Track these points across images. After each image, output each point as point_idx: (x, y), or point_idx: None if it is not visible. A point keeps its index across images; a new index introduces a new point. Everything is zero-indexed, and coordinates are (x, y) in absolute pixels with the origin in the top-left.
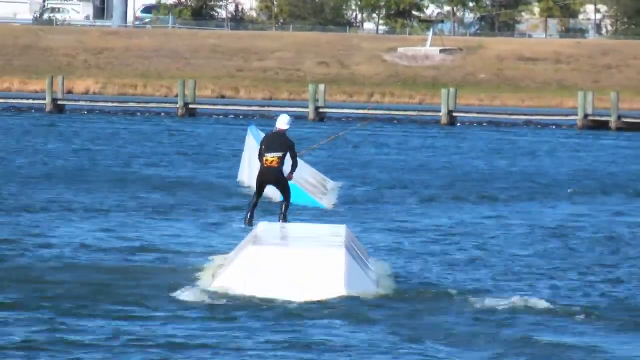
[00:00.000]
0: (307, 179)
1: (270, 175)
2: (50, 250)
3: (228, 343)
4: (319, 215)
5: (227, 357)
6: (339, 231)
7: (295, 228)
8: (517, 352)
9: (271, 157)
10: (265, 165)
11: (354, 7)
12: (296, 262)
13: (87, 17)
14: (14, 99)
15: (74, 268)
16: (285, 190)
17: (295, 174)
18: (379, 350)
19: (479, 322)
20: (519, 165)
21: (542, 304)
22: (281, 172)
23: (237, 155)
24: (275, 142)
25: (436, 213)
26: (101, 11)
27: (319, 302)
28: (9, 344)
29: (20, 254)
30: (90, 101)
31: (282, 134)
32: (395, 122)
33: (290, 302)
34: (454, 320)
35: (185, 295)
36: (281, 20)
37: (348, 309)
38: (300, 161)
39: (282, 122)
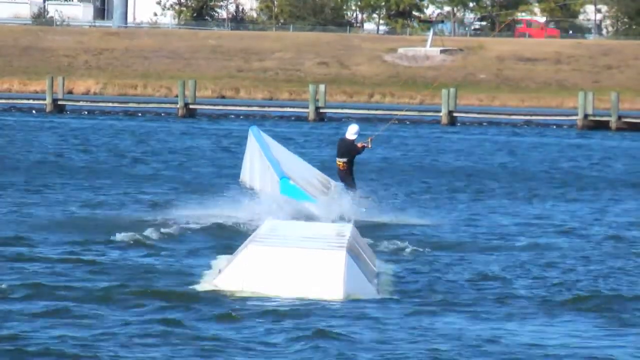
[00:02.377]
0: (308, 179)
1: (341, 175)
2: (50, 248)
3: (223, 341)
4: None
5: (222, 355)
6: (344, 231)
7: (300, 226)
8: (518, 353)
9: (339, 161)
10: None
11: (354, 8)
12: (295, 262)
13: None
14: (14, 99)
15: (74, 265)
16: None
17: (296, 174)
18: (372, 353)
19: (477, 324)
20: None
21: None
22: (347, 174)
23: (238, 155)
24: (342, 148)
25: (439, 213)
26: (101, 12)
27: (316, 303)
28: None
29: (19, 253)
30: (91, 101)
31: (349, 142)
32: (396, 122)
33: (287, 303)
34: (451, 323)
35: (186, 294)
36: (281, 21)
37: (345, 312)
38: (303, 162)
39: (350, 132)
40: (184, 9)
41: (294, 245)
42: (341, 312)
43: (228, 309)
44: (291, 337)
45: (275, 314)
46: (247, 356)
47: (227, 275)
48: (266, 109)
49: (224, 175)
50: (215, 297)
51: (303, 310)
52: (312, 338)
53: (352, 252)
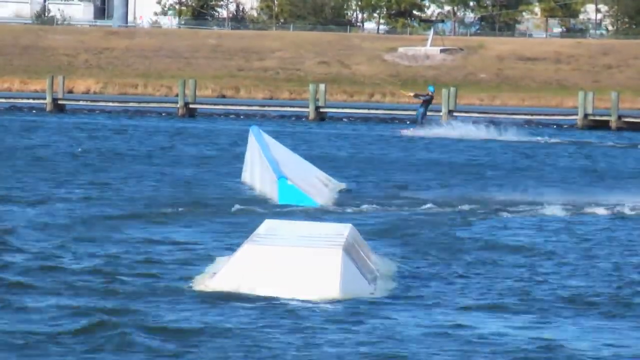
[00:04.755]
0: (307, 179)
1: None
2: (49, 249)
3: (219, 342)
4: (322, 214)
5: (218, 356)
6: (343, 230)
7: (298, 226)
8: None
9: None
10: None
11: (354, 7)
12: (291, 262)
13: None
14: (14, 98)
15: (69, 271)
16: None
17: (294, 174)
18: (369, 353)
19: (479, 325)
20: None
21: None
22: None
23: (239, 155)
24: None
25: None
26: (102, 11)
27: (312, 303)
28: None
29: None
30: (91, 101)
31: None
32: (396, 121)
33: (283, 303)
34: (452, 323)
35: (182, 294)
36: (281, 20)
37: (342, 311)
38: (303, 161)
39: None
40: (184, 8)
41: (290, 245)
42: (337, 311)
43: (224, 309)
44: (287, 338)
45: (271, 314)
46: (243, 357)
47: (224, 276)
48: (266, 108)
49: (224, 176)
50: (211, 298)
51: (299, 310)
52: (308, 338)
53: (350, 252)
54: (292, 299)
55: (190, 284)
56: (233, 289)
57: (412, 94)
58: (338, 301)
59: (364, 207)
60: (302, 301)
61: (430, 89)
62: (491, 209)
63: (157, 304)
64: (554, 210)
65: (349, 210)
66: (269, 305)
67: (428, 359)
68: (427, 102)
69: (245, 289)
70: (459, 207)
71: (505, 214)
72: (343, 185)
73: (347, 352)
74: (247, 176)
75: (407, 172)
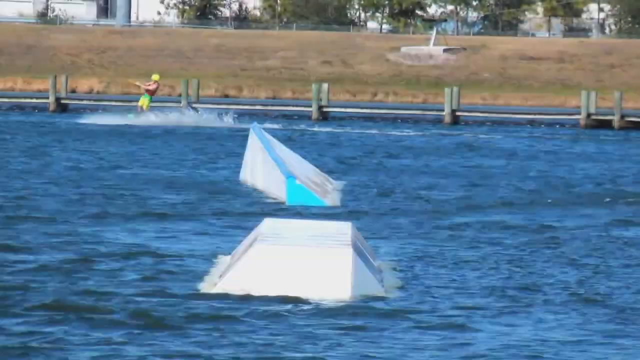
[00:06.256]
0: (311, 178)
1: None
2: (51, 252)
3: (234, 344)
4: (320, 213)
5: (233, 358)
6: (345, 229)
7: (300, 225)
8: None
9: None
10: None
11: (356, 6)
12: (304, 261)
13: None
14: (18, 98)
15: (72, 272)
16: None
17: (299, 173)
18: (386, 350)
19: (483, 323)
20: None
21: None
22: None
23: (240, 154)
24: None
25: (436, 215)
26: (104, 10)
27: (326, 302)
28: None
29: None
30: (94, 100)
31: None
32: (399, 121)
33: (297, 302)
34: (459, 321)
35: (193, 297)
36: (284, 19)
37: (358, 309)
38: (303, 160)
39: None
40: (187, 7)
41: (301, 244)
42: (352, 310)
43: (238, 310)
44: (304, 337)
45: (285, 313)
46: (257, 356)
47: (234, 276)
48: (269, 107)
49: (224, 175)
50: (224, 299)
51: (314, 310)
52: (325, 337)
53: (357, 250)
54: (307, 299)
55: (199, 284)
56: (246, 288)
57: (138, 83)
58: (352, 300)
59: (361, 205)
60: (317, 301)
61: (154, 77)
62: (488, 209)
63: (166, 308)
64: None
65: (347, 209)
66: (283, 305)
67: (446, 356)
68: (152, 92)
69: (257, 288)
70: (458, 206)
71: (505, 211)
72: (340, 185)
73: (365, 352)
74: (247, 175)
75: (402, 172)
